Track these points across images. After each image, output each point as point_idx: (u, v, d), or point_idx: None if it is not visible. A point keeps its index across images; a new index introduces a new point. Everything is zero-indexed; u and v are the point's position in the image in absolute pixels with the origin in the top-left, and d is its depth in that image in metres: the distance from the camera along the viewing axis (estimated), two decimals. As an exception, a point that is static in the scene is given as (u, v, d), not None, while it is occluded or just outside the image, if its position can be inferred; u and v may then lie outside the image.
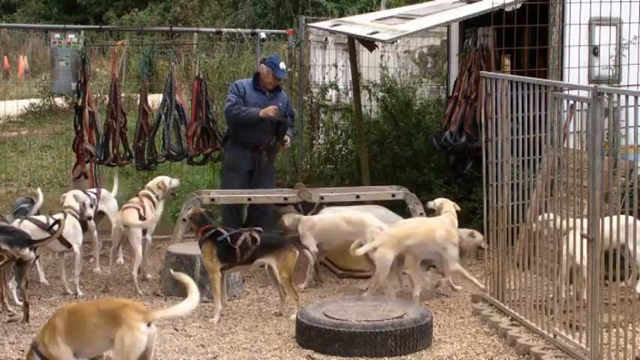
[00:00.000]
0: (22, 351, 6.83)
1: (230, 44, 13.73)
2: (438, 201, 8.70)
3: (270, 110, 9.29)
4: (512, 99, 7.35)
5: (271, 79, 9.48)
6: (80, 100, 10.19)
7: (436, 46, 13.27)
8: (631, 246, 7.29)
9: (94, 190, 9.51)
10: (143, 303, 6.49)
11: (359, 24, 10.57)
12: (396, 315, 7.03)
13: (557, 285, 6.93)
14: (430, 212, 8.80)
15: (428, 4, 11.18)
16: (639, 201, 6.02)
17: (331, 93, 12.44)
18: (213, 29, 13.10)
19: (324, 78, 12.65)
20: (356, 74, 11.10)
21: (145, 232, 8.86)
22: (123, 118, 10.25)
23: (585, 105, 6.38)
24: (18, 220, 8.15)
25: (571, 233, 6.78)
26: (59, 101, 18.69)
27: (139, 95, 10.82)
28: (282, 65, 9.56)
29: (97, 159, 10.27)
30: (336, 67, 12.68)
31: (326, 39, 13.41)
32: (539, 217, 7.47)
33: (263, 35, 11.38)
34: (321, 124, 12.42)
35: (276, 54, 11.68)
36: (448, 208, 8.44)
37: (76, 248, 8.32)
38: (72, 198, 8.72)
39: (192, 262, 8.30)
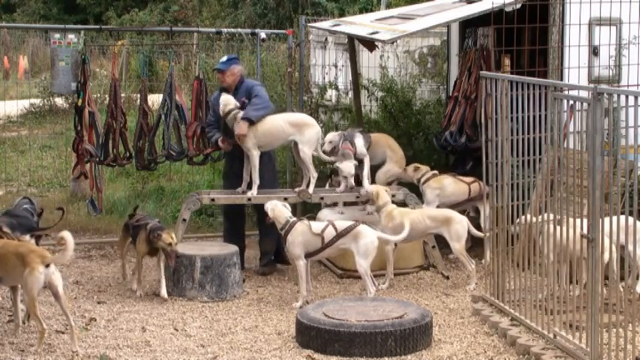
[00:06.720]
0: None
1: (230, 44, 13.70)
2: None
3: (223, 144, 9.35)
4: (512, 99, 7.35)
5: (220, 78, 9.53)
6: (80, 100, 10.17)
7: (436, 46, 13.27)
8: (631, 247, 7.29)
9: None
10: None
11: (359, 24, 10.57)
12: (396, 315, 7.03)
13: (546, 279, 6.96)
14: None
15: (428, 4, 11.18)
16: (639, 201, 6.02)
17: (331, 93, 12.43)
18: (213, 29, 13.06)
19: (324, 78, 12.63)
20: (356, 74, 11.09)
21: None
22: (123, 118, 10.23)
23: (585, 105, 6.38)
24: None
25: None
26: (59, 101, 18.68)
27: (139, 95, 10.81)
28: (222, 60, 9.59)
29: (97, 159, 10.26)
30: (336, 67, 12.67)
31: (326, 39, 13.40)
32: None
33: (263, 35, 11.35)
34: (321, 124, 12.41)
35: (276, 53, 11.69)
36: None
37: None
38: None
39: (192, 262, 8.30)
